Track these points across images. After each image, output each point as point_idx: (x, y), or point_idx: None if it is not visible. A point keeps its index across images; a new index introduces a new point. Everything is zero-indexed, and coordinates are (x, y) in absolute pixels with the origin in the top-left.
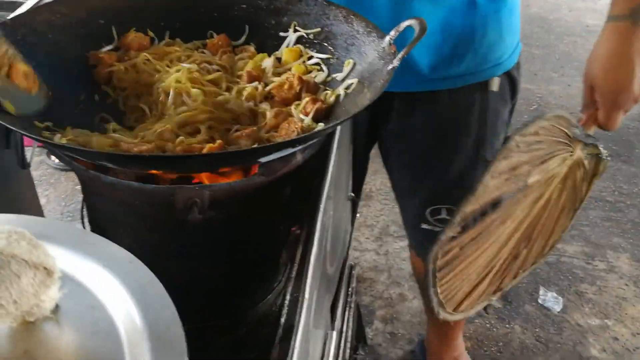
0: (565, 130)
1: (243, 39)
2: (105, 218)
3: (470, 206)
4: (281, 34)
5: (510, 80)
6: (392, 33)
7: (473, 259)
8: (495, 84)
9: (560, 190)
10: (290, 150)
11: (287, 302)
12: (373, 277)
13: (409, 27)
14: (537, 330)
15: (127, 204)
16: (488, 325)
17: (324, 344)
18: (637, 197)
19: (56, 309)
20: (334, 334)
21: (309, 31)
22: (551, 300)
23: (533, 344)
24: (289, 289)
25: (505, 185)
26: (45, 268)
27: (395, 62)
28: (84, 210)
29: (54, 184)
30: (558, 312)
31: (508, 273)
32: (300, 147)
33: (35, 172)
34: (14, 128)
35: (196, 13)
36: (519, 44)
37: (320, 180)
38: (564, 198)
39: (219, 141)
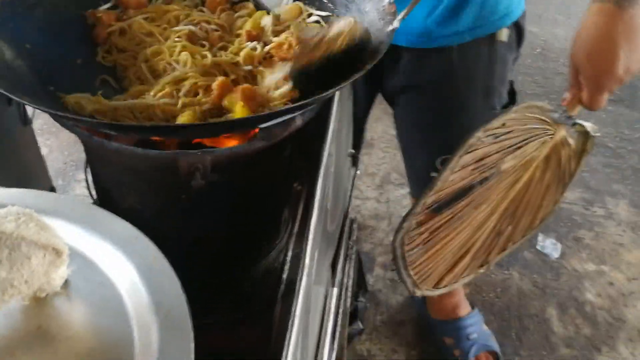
0: (539, 117)
1: None
2: (109, 181)
3: (431, 198)
4: None
5: (517, 29)
6: None
7: (446, 242)
8: (504, 35)
9: (542, 170)
10: (289, 116)
11: (288, 258)
12: (374, 224)
13: None
14: (534, 276)
15: (131, 169)
16: None
17: (325, 299)
18: (639, 142)
19: (66, 284)
20: (335, 290)
21: None
22: (549, 246)
23: (530, 289)
24: (291, 246)
25: (471, 175)
26: (54, 249)
27: (395, 24)
28: (88, 171)
29: (56, 132)
30: (556, 258)
31: (493, 248)
32: (299, 112)
33: (36, 122)
34: (14, 97)
35: None
36: None
37: (320, 139)
38: (548, 176)
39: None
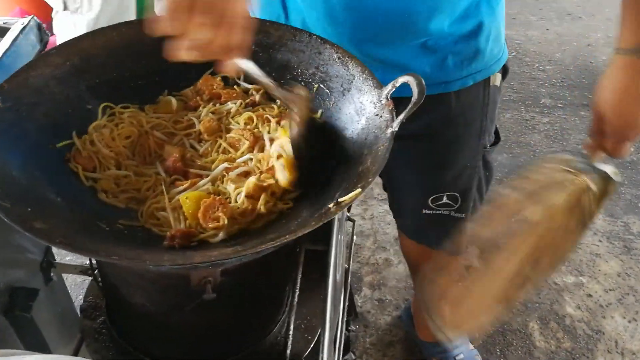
0: (564, 167)
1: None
2: (118, 280)
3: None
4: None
5: (504, 71)
6: (389, 87)
7: (478, 295)
8: (497, 79)
9: (567, 217)
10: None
11: (291, 332)
12: (360, 242)
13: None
14: None
15: (141, 276)
16: None
17: None
18: None
19: None
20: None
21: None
22: None
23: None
24: (292, 318)
25: (499, 223)
26: None
27: (395, 126)
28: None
29: None
30: None
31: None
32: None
33: None
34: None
35: None
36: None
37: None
38: (572, 222)
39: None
